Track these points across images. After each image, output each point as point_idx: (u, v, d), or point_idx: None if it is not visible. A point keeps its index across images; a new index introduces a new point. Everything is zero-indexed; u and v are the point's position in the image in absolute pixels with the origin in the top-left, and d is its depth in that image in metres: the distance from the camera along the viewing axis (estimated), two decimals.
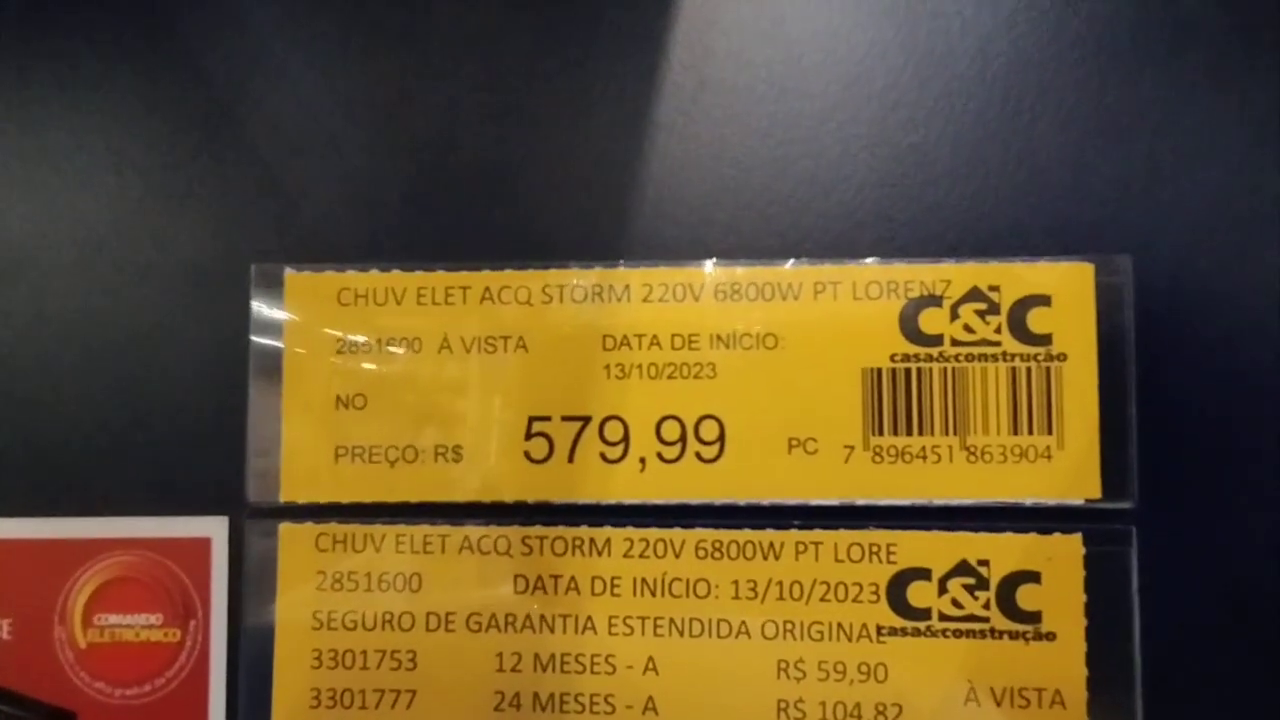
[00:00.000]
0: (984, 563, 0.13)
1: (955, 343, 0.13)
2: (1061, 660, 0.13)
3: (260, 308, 0.14)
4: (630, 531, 0.13)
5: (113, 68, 0.14)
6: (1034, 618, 0.13)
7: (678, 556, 0.13)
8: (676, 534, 0.13)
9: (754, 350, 0.13)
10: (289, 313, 0.14)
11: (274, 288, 0.14)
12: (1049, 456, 0.13)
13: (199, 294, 0.14)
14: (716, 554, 0.13)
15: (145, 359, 0.14)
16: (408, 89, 0.14)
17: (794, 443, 0.13)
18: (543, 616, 0.13)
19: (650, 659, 0.13)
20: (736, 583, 0.13)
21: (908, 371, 0.13)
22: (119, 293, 0.14)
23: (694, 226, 0.14)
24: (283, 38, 0.14)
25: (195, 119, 0.14)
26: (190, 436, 0.14)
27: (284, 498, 0.14)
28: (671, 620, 0.13)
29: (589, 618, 0.13)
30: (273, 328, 0.14)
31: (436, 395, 0.14)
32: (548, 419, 0.14)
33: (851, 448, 0.13)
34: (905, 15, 0.14)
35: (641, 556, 0.13)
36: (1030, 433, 0.13)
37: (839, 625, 0.13)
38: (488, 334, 0.14)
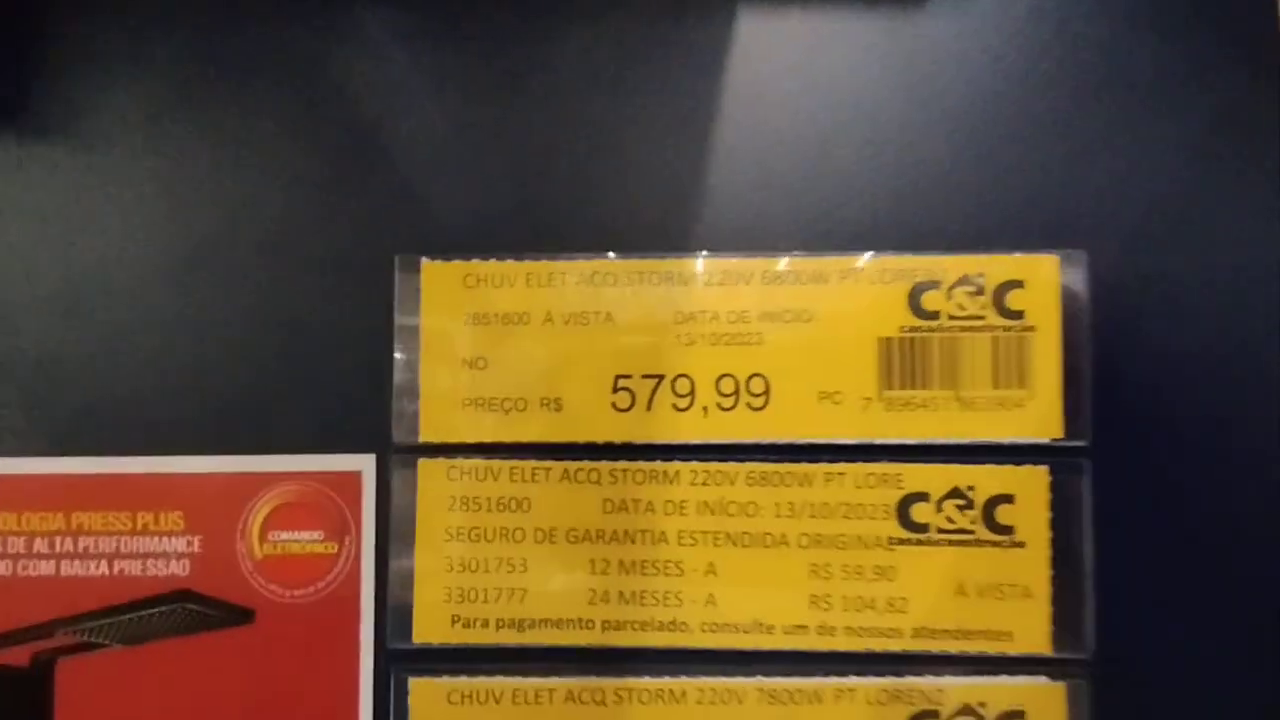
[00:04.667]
0: (971, 488, 0.17)
1: (950, 318, 0.17)
2: (1030, 564, 0.17)
3: (403, 289, 0.17)
4: (695, 465, 0.17)
5: (282, 96, 0.18)
6: (1009, 530, 0.17)
7: (732, 485, 0.17)
8: (731, 467, 0.17)
9: (793, 324, 0.17)
10: (426, 293, 0.17)
11: (413, 274, 0.17)
12: (1022, 405, 0.17)
13: (354, 278, 0.18)
14: (763, 482, 0.17)
15: (312, 330, 0.17)
16: (514, 113, 0.18)
17: (823, 395, 0.17)
18: (625, 531, 0.17)
19: (710, 563, 0.17)
20: (778, 504, 0.17)
21: (913, 340, 0.17)
22: (290, 278, 0.18)
23: (746, 223, 0.17)
24: (414, 72, 0.18)
25: (347, 138, 0.18)
26: (347, 390, 0.17)
27: (422, 439, 0.17)
28: (727, 534, 0.17)
29: (662, 532, 0.17)
30: (412, 305, 0.17)
31: (542, 358, 0.17)
32: (629, 377, 0.17)
33: (869, 399, 0.17)
34: (910, 60, 0.18)
35: (704, 485, 0.17)
36: (1008, 387, 0.17)
37: (858, 537, 0.17)
38: (582, 310, 0.17)
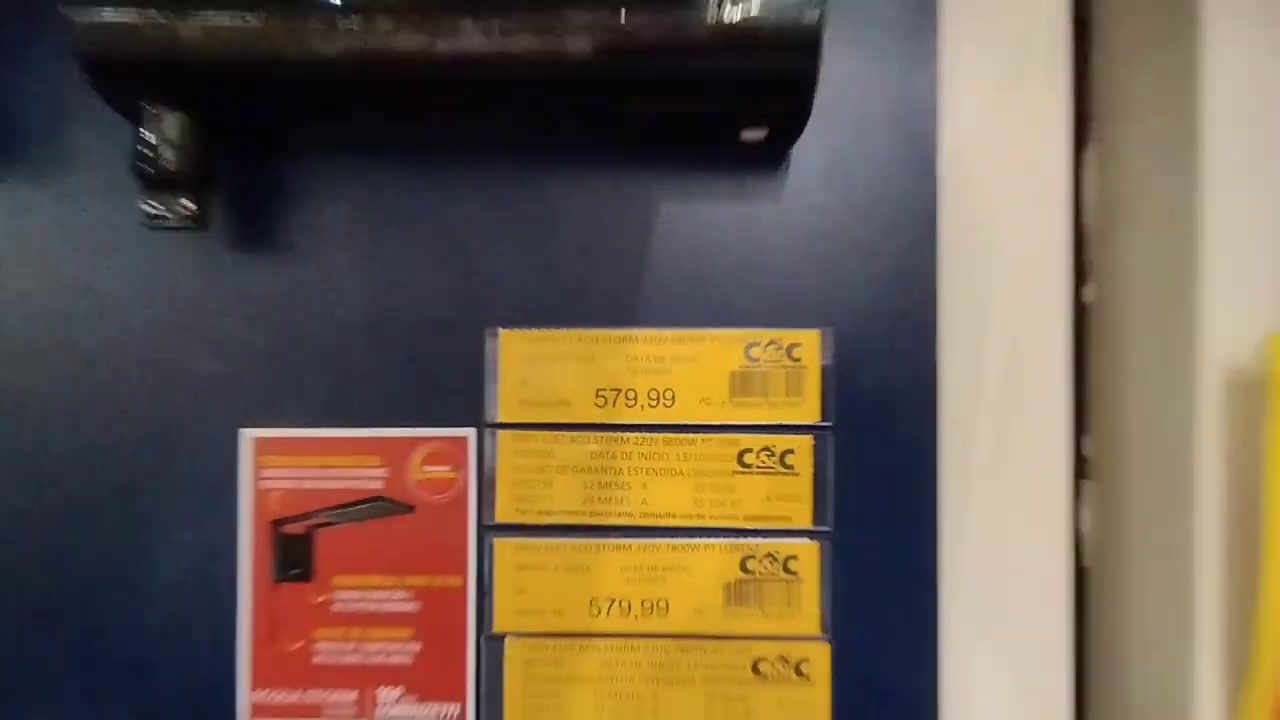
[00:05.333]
0: (773, 446, 0.34)
1: (765, 361, 0.34)
2: (802, 484, 0.33)
3: (489, 345, 0.34)
4: (638, 436, 0.34)
5: (420, 231, 0.35)
6: (792, 467, 0.34)
7: (652, 445, 0.34)
8: (652, 437, 0.34)
9: (688, 363, 0.34)
10: (502, 347, 0.34)
11: (494, 337, 0.34)
12: (798, 405, 0.34)
13: (447, 336, 0.34)
14: (669, 444, 0.34)
15: (446, 365, 0.34)
16: (559, 236, 0.35)
17: (702, 399, 0.34)
18: (602, 467, 0.34)
19: (644, 484, 0.34)
20: (678, 455, 0.34)
21: (746, 372, 0.34)
22: (430, 338, 0.35)
23: (670, 312, 0.34)
24: (487, 213, 0.35)
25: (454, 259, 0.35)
26: (463, 398, 0.34)
27: (500, 419, 0.34)
28: (653, 469, 0.34)
29: (619, 468, 0.34)
30: (494, 351, 0.34)
31: (558, 379, 0.34)
32: (604, 389, 0.34)
33: (724, 401, 0.34)
34: (761, 218, 0.34)
35: (641, 445, 0.34)
36: (793, 396, 0.34)
37: (717, 470, 0.34)
38: (579, 354, 0.34)
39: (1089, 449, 0.41)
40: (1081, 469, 0.41)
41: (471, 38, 0.27)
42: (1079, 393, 0.39)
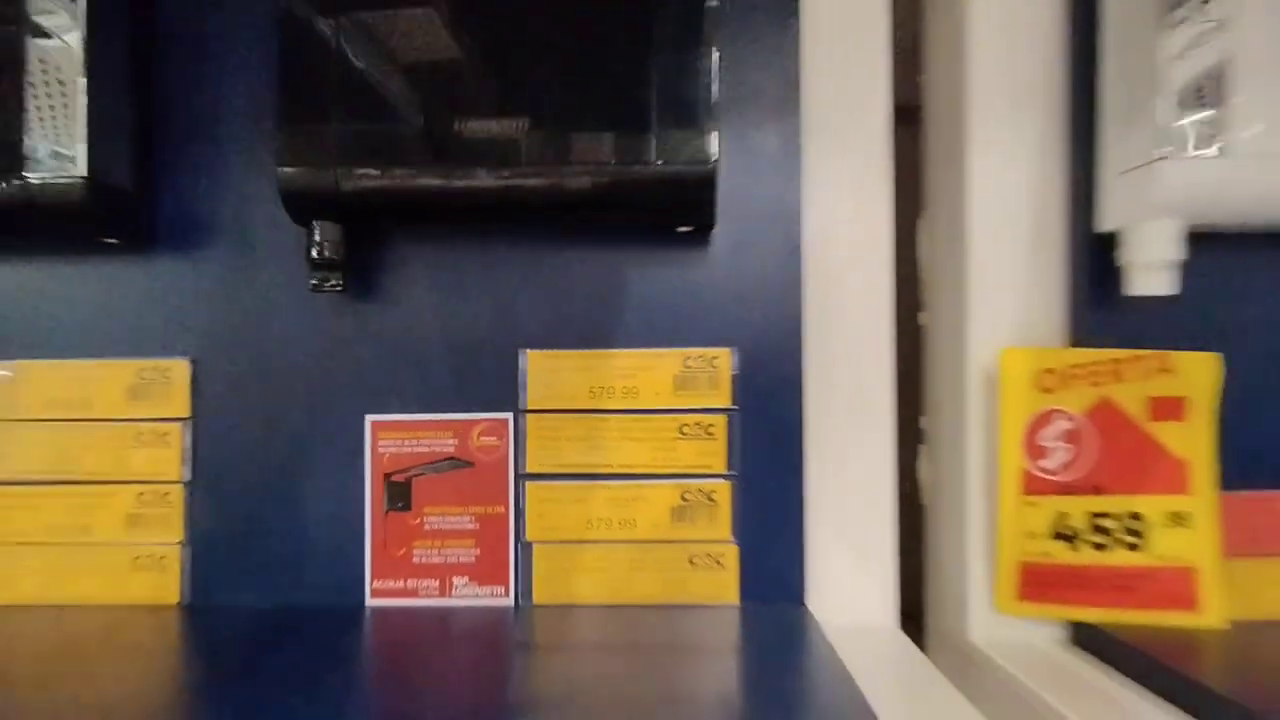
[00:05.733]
0: (700, 421, 0.53)
1: (695, 369, 0.53)
2: (719, 447, 0.53)
3: (522, 365, 0.54)
4: (615, 415, 0.54)
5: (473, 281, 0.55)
6: (713, 434, 0.53)
7: (620, 422, 0.54)
8: (623, 416, 0.54)
9: (646, 370, 0.54)
10: (530, 365, 0.54)
11: (524, 355, 0.54)
12: (712, 395, 0.53)
13: (494, 354, 0.54)
14: (635, 420, 0.54)
15: (493, 375, 0.54)
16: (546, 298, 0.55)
17: (655, 393, 0.54)
18: (589, 436, 0.54)
19: (617, 447, 0.54)
20: (641, 429, 0.54)
21: (684, 375, 0.54)
22: (476, 357, 0.54)
23: (632, 334, 0.54)
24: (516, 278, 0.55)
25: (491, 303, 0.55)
26: (506, 392, 0.54)
27: (529, 407, 0.54)
28: (626, 436, 0.54)
29: (601, 435, 0.54)
30: (524, 364, 0.54)
31: (566, 383, 0.54)
32: (593, 387, 0.54)
33: (670, 392, 0.54)
34: (693, 279, 0.54)
35: (620, 421, 0.54)
36: (714, 389, 0.53)
37: (661, 440, 0.54)
38: (578, 366, 0.54)
39: (925, 424, 0.61)
40: (920, 437, 0.61)
41: (530, 180, 0.47)
42: (919, 385, 0.59)
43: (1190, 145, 0.44)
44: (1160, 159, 0.45)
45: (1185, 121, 0.44)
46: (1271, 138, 0.44)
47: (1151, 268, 0.47)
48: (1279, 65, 0.43)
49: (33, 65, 0.49)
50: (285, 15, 0.47)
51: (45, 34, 0.49)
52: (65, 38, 0.49)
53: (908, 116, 0.63)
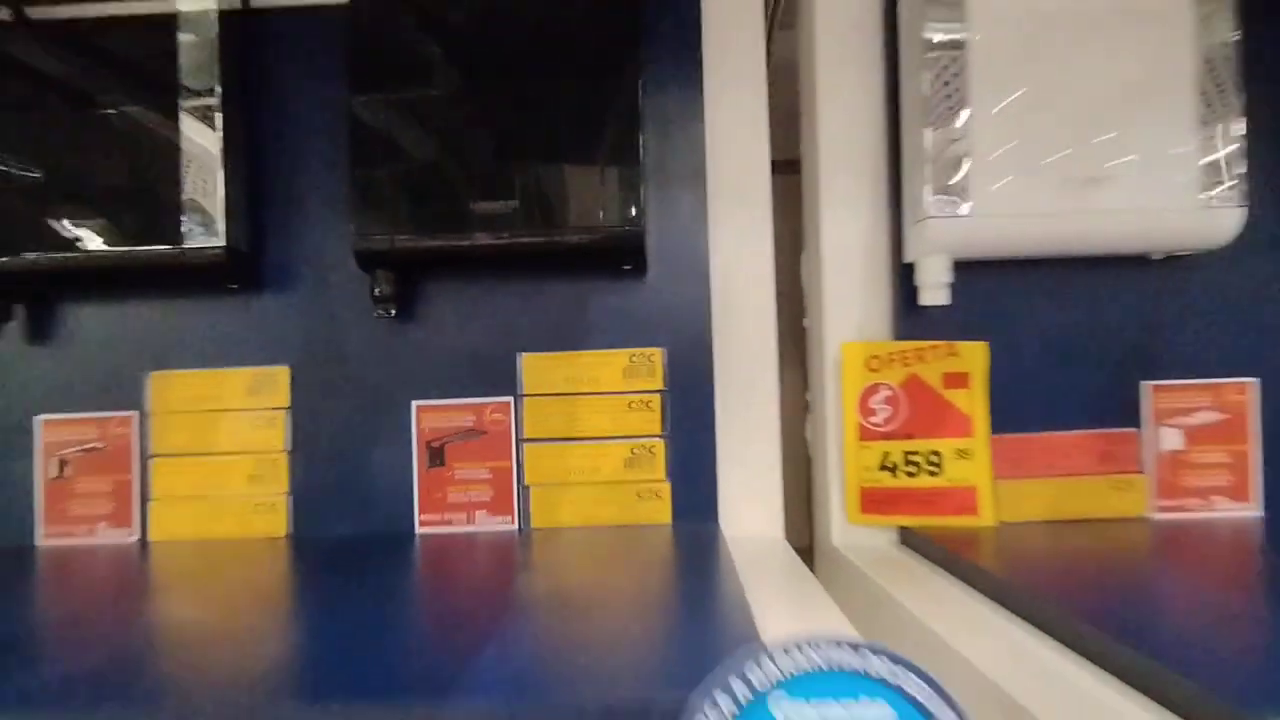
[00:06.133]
0: (646, 399, 0.77)
1: (638, 363, 0.78)
2: (656, 417, 0.77)
3: (519, 364, 0.78)
4: (591, 397, 0.78)
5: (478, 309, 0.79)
6: (651, 409, 0.78)
7: (587, 405, 0.78)
8: (590, 396, 0.78)
9: (604, 365, 0.78)
10: (526, 367, 0.78)
11: (520, 358, 0.78)
12: (652, 380, 0.77)
13: (499, 358, 0.78)
14: (606, 400, 0.78)
15: (493, 365, 0.78)
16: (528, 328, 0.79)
17: (611, 380, 0.78)
18: (571, 416, 0.78)
19: (596, 426, 0.78)
20: (609, 410, 0.78)
21: (630, 365, 0.78)
22: (481, 360, 0.79)
23: (595, 340, 0.78)
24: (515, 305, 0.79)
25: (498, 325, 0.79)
26: (506, 380, 0.78)
27: (525, 392, 0.78)
28: (605, 416, 0.78)
29: (580, 416, 0.78)
30: (519, 365, 0.78)
31: (556, 381, 0.78)
32: (571, 383, 0.78)
33: (621, 379, 0.78)
34: (633, 309, 0.79)
35: (591, 406, 0.78)
36: (651, 376, 0.77)
37: (625, 416, 0.78)
38: (563, 362, 0.78)
39: (809, 398, 0.85)
40: (808, 406, 0.86)
41: (519, 240, 0.71)
42: (805, 369, 0.84)
43: (946, 209, 0.69)
44: (929, 217, 0.69)
45: (941, 196, 0.69)
46: (998, 204, 0.68)
47: (934, 286, 0.71)
48: (999, 157, 0.68)
49: (185, 163, 0.73)
50: (354, 124, 0.72)
51: (194, 141, 0.73)
52: (207, 143, 0.73)
53: (797, 168, 0.87)
